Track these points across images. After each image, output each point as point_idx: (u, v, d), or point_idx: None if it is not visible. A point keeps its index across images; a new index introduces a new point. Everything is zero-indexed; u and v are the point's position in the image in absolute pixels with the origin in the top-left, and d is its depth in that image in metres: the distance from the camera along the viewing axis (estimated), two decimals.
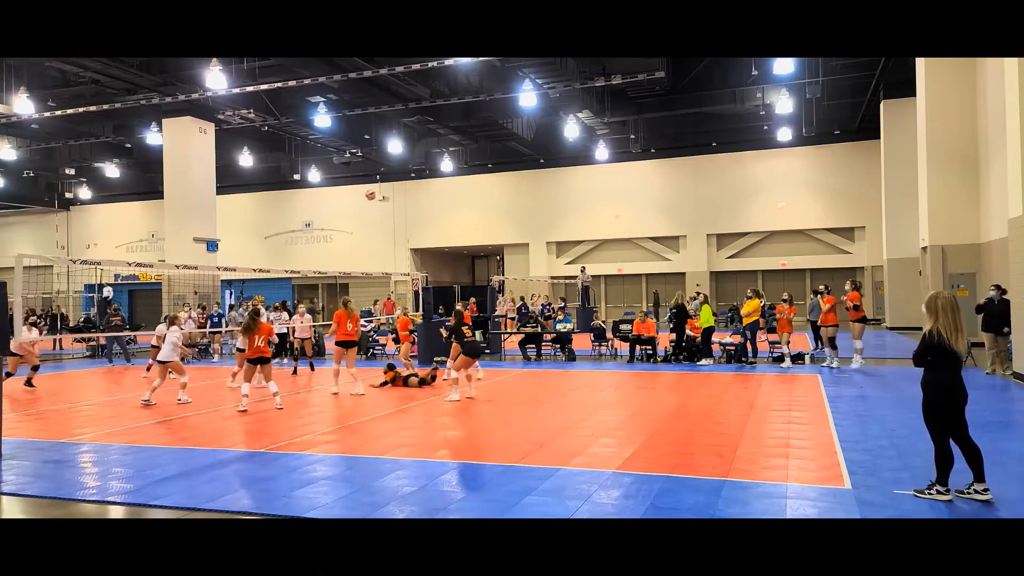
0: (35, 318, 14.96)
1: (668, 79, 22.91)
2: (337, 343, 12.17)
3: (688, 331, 16.16)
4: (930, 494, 5.51)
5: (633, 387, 12.47)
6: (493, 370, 13.71)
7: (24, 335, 12.84)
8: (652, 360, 16.03)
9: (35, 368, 13.96)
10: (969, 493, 5.46)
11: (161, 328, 12.87)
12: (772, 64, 21.54)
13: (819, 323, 15.42)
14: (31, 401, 12.16)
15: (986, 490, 5.41)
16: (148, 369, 14.67)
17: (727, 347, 15.86)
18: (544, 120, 28.97)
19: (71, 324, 24.72)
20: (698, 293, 17.58)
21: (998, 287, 12.97)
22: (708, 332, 15.75)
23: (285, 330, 18.54)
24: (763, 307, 15.81)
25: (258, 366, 10.66)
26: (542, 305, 23.37)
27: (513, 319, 22.48)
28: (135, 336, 22.48)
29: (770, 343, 16.40)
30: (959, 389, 5.45)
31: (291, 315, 17.45)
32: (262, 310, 12.73)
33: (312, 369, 16.00)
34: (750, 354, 15.55)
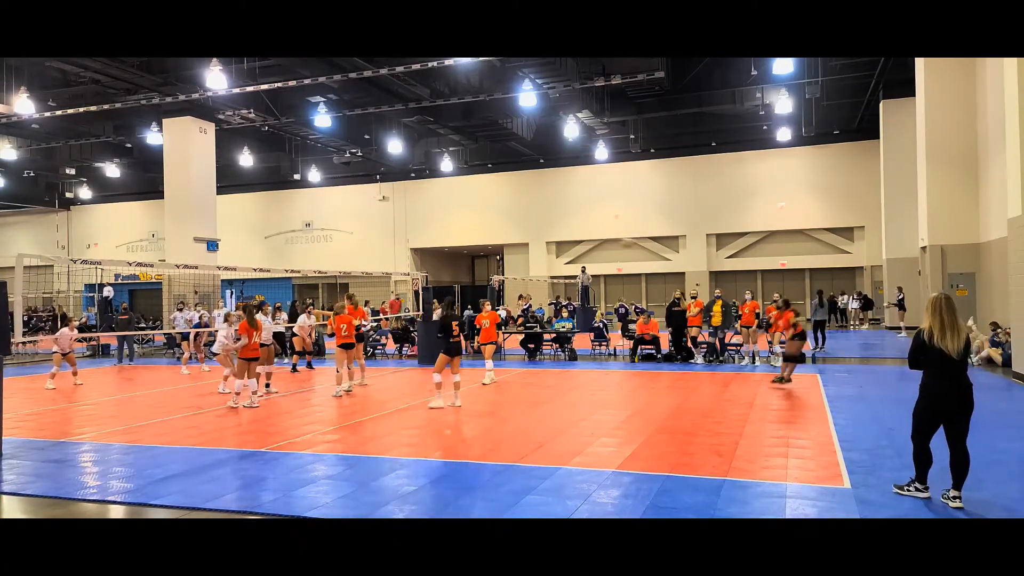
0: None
1: (668, 79, 22.93)
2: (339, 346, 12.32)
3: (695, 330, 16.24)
4: (908, 490, 5.54)
5: (633, 387, 12.48)
6: (494, 369, 13.71)
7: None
8: (658, 358, 16.08)
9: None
10: (945, 499, 5.35)
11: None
12: (772, 64, 21.54)
13: None
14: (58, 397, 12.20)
15: (957, 497, 5.26)
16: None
17: (699, 346, 16.09)
18: (544, 120, 28.98)
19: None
20: (696, 293, 17.60)
21: None
22: (715, 330, 15.77)
23: (283, 330, 18.59)
24: (728, 307, 15.80)
25: (252, 363, 10.79)
26: (556, 303, 23.56)
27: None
28: (152, 335, 22.61)
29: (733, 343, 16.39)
30: (945, 395, 5.30)
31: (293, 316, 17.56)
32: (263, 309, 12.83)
33: (307, 368, 16.02)
34: (718, 353, 15.78)
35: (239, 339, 10.78)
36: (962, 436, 5.30)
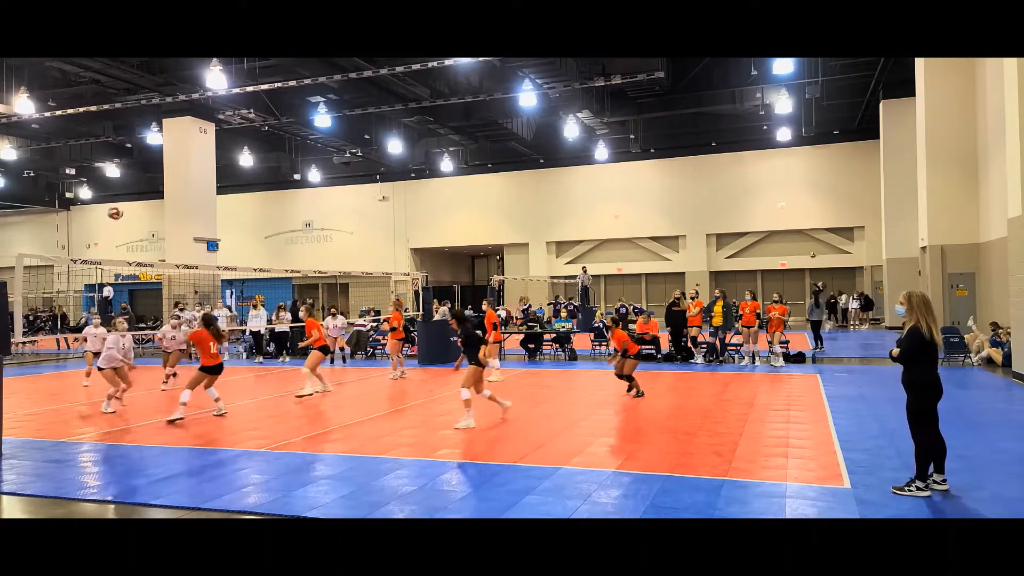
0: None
1: (668, 79, 22.92)
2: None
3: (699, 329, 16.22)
4: (909, 490, 5.60)
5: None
6: (500, 369, 13.71)
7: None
8: (658, 358, 16.06)
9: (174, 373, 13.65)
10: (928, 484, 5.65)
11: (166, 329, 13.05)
12: (772, 64, 21.54)
13: None
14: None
15: (944, 480, 5.67)
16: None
17: (699, 346, 16.07)
18: (544, 120, 28.97)
19: (71, 324, 24.77)
20: (696, 293, 17.59)
21: None
22: (716, 331, 15.75)
23: (288, 329, 18.69)
24: (729, 307, 15.80)
25: (212, 376, 10.00)
26: (554, 303, 23.45)
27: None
28: (153, 336, 22.70)
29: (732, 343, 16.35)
30: (939, 386, 5.67)
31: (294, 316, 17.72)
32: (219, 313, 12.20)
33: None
34: (718, 353, 15.76)
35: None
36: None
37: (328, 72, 20.49)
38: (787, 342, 15.33)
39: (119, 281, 37.91)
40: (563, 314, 23.57)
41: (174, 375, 13.44)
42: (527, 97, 22.73)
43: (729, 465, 6.62)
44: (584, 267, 30.14)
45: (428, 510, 5.52)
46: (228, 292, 33.75)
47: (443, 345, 17.26)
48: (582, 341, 19.30)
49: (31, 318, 27.19)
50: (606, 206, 34.02)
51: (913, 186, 22.69)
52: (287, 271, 17.37)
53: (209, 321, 10.25)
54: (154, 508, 5.79)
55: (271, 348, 19.07)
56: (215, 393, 10.07)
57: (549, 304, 27.61)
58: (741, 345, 15.67)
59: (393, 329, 14.54)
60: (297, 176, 33.81)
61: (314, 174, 35.21)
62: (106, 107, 23.12)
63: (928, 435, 5.61)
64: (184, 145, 24.63)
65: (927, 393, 5.62)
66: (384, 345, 19.88)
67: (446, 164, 33.56)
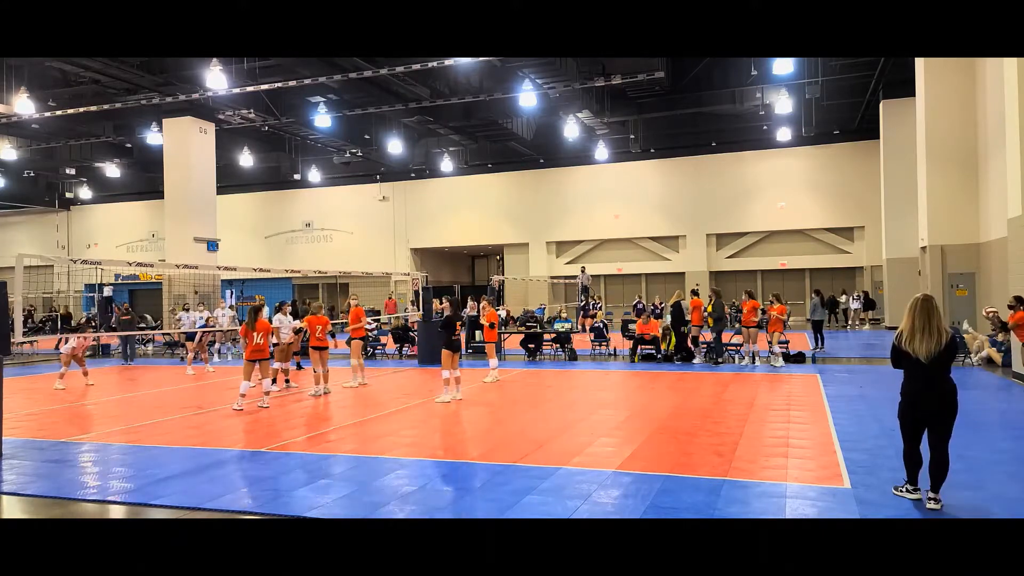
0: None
1: (668, 79, 22.93)
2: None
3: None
4: (901, 491, 5.58)
5: (633, 387, 12.48)
6: (498, 368, 13.71)
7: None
8: (658, 358, 16.05)
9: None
10: (910, 492, 5.50)
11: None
12: (772, 64, 21.54)
13: None
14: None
15: (933, 499, 5.23)
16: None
17: (700, 346, 16.03)
18: (544, 120, 28.98)
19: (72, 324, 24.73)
20: (696, 293, 17.61)
21: None
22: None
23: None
24: (728, 308, 15.79)
25: (257, 364, 10.76)
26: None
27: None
28: (154, 335, 22.61)
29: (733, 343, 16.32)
30: (918, 397, 5.33)
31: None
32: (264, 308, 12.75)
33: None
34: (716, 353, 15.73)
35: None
36: (942, 439, 5.27)
37: (328, 72, 20.49)
38: (787, 342, 15.34)
39: (119, 281, 37.90)
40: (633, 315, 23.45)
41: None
42: (527, 97, 22.73)
43: (729, 465, 6.62)
44: (584, 267, 30.12)
45: (428, 510, 5.52)
46: (228, 292, 33.75)
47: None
48: (582, 341, 19.30)
49: (23, 317, 27.21)
50: (606, 206, 34.02)
51: (913, 186, 22.68)
52: (287, 271, 17.37)
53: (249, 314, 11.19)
54: (154, 508, 5.80)
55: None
56: (267, 385, 10.94)
57: (637, 307, 26.60)
58: (741, 345, 15.67)
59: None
60: (297, 176, 33.82)
61: (314, 174, 35.21)
62: (106, 107, 23.13)
63: (904, 442, 5.50)
64: (184, 145, 24.64)
65: (901, 401, 5.47)
66: (384, 346, 19.90)
67: (446, 164, 33.56)
